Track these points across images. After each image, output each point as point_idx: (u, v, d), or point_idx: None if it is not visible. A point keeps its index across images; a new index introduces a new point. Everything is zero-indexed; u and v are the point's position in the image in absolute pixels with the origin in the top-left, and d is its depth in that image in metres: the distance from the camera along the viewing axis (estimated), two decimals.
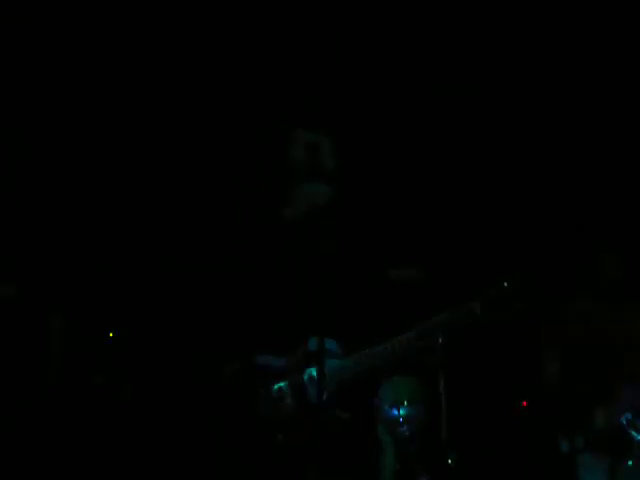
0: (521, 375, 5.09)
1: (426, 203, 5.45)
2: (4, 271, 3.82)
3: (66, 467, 4.48)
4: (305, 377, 2.47)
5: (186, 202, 5.57)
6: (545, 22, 4.88)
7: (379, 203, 2.93)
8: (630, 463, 3.51)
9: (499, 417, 5.41)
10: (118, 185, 5.51)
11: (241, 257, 2.94)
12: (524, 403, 5.37)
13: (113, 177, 5.48)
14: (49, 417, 3.70)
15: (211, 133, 5.45)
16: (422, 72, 5.12)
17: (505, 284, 2.53)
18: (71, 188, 5.39)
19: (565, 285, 4.19)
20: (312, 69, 4.97)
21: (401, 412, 4.73)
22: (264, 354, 2.72)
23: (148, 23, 5.09)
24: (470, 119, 5.32)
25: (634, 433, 3.50)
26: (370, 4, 4.96)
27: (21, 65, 4.96)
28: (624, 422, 3.55)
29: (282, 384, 2.61)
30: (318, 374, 2.34)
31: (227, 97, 5.29)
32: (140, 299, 5.44)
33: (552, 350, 3.98)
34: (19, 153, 4.79)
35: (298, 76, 5.04)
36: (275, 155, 3.07)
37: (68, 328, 3.80)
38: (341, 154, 2.87)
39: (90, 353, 3.33)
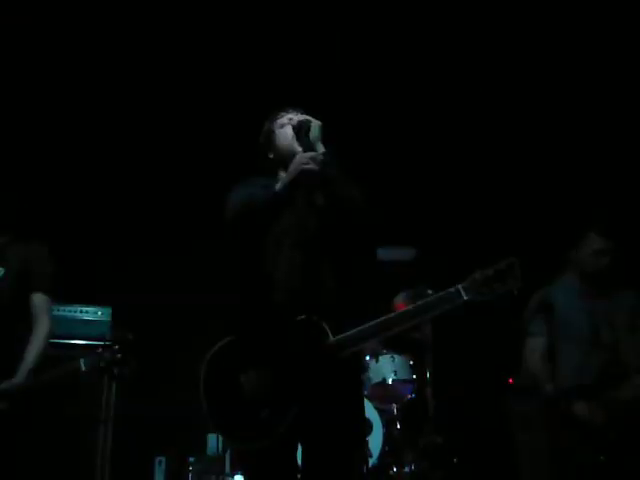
0: (507, 352, 5.12)
1: (418, 187, 5.45)
2: None
3: None
4: None
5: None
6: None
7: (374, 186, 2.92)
8: None
9: (485, 394, 5.44)
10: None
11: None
12: (510, 380, 5.39)
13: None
14: None
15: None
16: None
17: (491, 268, 2.57)
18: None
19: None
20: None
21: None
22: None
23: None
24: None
25: None
26: None
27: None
28: None
29: (270, 365, 2.61)
30: (307, 355, 2.33)
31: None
32: None
33: None
34: None
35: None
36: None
37: None
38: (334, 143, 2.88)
39: None
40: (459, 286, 2.54)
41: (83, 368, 3.19)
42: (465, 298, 2.51)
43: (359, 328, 2.55)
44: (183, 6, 4.79)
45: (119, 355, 3.16)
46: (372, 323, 2.56)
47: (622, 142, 5.16)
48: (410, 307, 2.56)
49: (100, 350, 3.19)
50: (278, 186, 2.71)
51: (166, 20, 4.82)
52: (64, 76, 5.04)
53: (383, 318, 2.56)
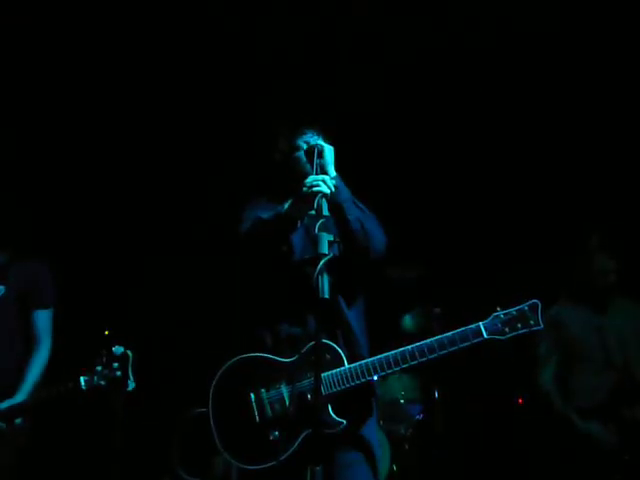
0: (517, 373, 5.08)
1: (426, 203, 5.43)
2: None
3: None
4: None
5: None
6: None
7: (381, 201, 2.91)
8: None
9: (495, 415, 5.39)
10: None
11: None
12: (520, 400, 5.35)
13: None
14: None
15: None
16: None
17: (514, 309, 2.57)
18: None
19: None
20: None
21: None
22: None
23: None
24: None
25: None
26: None
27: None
28: None
29: (282, 387, 2.57)
30: (316, 379, 2.30)
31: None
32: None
33: None
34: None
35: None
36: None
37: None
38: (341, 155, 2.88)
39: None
40: (480, 324, 2.53)
41: (83, 387, 3.17)
42: (485, 337, 2.51)
43: (376, 358, 2.53)
44: (186, 6, 4.78)
45: (119, 373, 3.13)
46: (389, 355, 2.53)
47: (626, 156, 5.16)
48: (427, 342, 2.53)
49: (100, 369, 3.17)
50: (286, 205, 2.69)
51: (171, 21, 4.80)
52: (60, 85, 5.01)
53: (399, 351, 2.53)
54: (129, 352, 3.15)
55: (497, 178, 5.39)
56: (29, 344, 3.58)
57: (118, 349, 3.15)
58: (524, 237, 5.31)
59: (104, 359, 3.16)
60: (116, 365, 3.15)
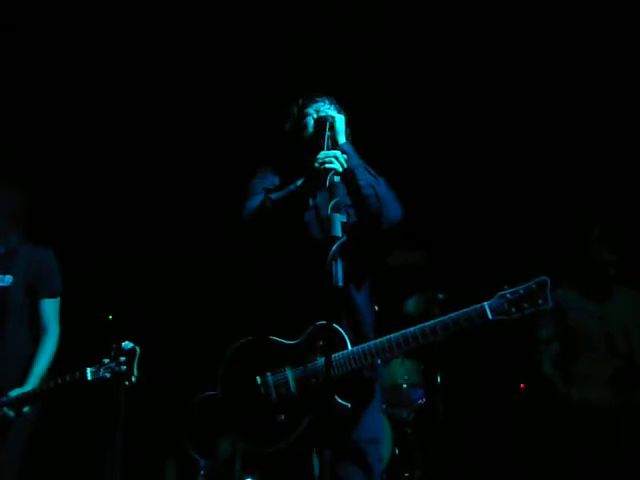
0: (518, 358, 5.10)
1: (430, 189, 5.43)
2: None
3: None
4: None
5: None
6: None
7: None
8: None
9: (497, 400, 5.41)
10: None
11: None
12: (522, 385, 5.37)
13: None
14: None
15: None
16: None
17: (521, 287, 2.42)
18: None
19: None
20: None
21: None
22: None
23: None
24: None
25: None
26: None
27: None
28: None
29: (287, 370, 2.57)
30: (326, 361, 2.28)
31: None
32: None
33: None
34: None
35: None
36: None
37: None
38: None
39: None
40: (485, 304, 2.40)
41: (89, 378, 3.21)
42: (490, 318, 2.38)
43: (378, 340, 2.50)
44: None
45: (124, 367, 3.19)
46: (391, 337, 2.47)
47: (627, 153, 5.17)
48: (430, 323, 2.44)
49: (107, 361, 3.22)
50: (300, 182, 2.64)
51: (176, 14, 4.79)
52: (60, 82, 5.02)
53: (401, 333, 2.48)
54: (137, 348, 3.20)
55: (500, 167, 5.40)
56: (37, 332, 3.60)
57: (127, 344, 3.21)
58: (528, 224, 5.33)
59: (112, 352, 3.22)
60: (123, 359, 3.20)
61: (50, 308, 3.64)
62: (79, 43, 4.81)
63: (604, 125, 5.07)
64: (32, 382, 3.44)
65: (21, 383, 3.43)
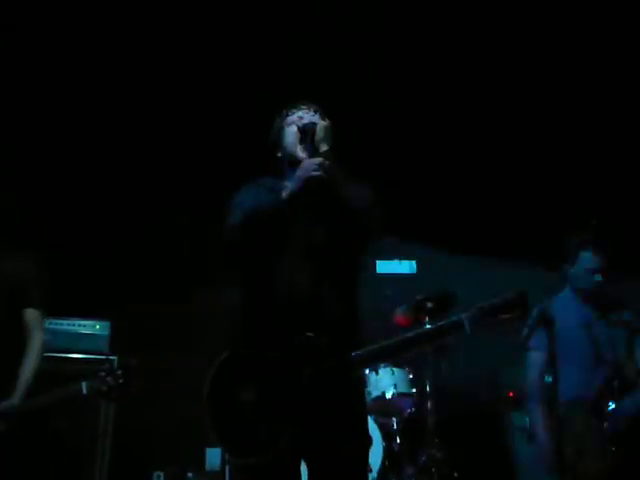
0: (507, 366, 5.11)
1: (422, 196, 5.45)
2: None
3: None
4: None
5: None
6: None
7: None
8: None
9: (486, 409, 5.42)
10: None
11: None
12: (510, 394, 5.37)
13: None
14: None
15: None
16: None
17: (500, 299, 2.48)
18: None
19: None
20: None
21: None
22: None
23: None
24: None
25: None
26: None
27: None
28: None
29: (272, 382, 2.56)
30: (313, 371, 2.28)
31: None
32: None
33: None
34: None
35: None
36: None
37: None
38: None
39: None
40: (462, 316, 2.44)
41: (84, 391, 3.19)
42: (467, 329, 2.41)
43: (365, 350, 2.49)
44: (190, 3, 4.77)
45: (121, 380, 3.17)
46: (378, 346, 2.48)
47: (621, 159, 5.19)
48: (411, 334, 2.48)
49: (103, 374, 3.20)
50: (284, 193, 2.62)
51: (170, 16, 4.79)
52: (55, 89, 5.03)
53: (384, 343, 2.49)
54: (133, 361, 3.19)
55: (492, 175, 5.42)
56: (21, 342, 3.56)
57: (124, 358, 3.19)
58: (518, 230, 5.35)
59: (108, 366, 3.20)
60: (120, 372, 3.18)
61: (33, 317, 3.61)
62: (73, 43, 4.80)
63: (594, 143, 5.10)
64: (18, 394, 3.40)
65: (6, 394, 3.39)
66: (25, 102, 4.97)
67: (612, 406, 3.73)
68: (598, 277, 3.96)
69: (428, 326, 2.59)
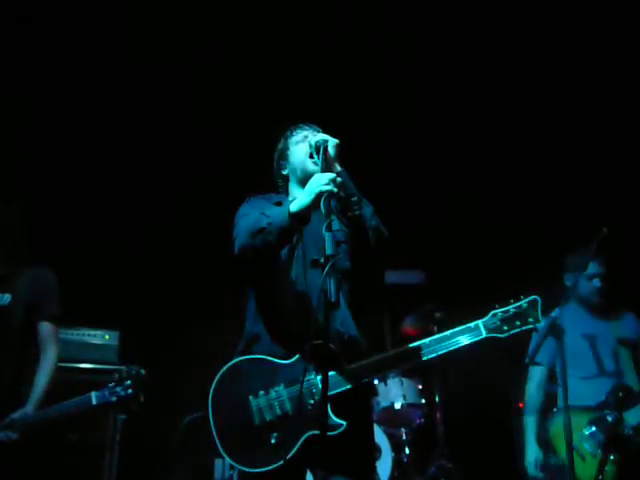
0: (517, 376, 5.08)
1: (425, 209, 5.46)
2: None
3: None
4: None
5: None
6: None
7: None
8: None
9: (495, 419, 5.38)
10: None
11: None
12: (520, 405, 5.34)
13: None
14: None
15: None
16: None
17: (512, 305, 2.52)
18: None
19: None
20: None
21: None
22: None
23: None
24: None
25: None
26: None
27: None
28: None
29: (281, 390, 2.56)
30: (323, 379, 2.28)
31: None
32: None
33: None
34: None
35: None
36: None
37: None
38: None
39: None
40: (479, 322, 2.50)
41: (94, 402, 3.20)
42: (484, 335, 2.48)
43: (374, 358, 2.52)
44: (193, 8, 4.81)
45: (130, 391, 3.17)
46: (388, 354, 2.52)
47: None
48: (426, 340, 2.51)
49: (112, 385, 3.21)
50: (293, 206, 2.61)
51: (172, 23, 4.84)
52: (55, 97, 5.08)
53: (398, 350, 2.52)
54: (142, 371, 3.19)
55: (497, 186, 5.43)
56: (35, 353, 3.57)
57: (132, 368, 3.20)
58: (524, 242, 5.34)
59: (117, 376, 3.21)
60: (129, 383, 3.19)
61: (48, 329, 3.61)
62: (74, 45, 4.84)
63: (592, 155, 5.11)
64: (32, 404, 3.40)
65: (19, 404, 3.39)
66: (25, 102, 5.02)
67: (613, 416, 3.73)
68: (597, 282, 3.98)
69: (444, 332, 2.58)
